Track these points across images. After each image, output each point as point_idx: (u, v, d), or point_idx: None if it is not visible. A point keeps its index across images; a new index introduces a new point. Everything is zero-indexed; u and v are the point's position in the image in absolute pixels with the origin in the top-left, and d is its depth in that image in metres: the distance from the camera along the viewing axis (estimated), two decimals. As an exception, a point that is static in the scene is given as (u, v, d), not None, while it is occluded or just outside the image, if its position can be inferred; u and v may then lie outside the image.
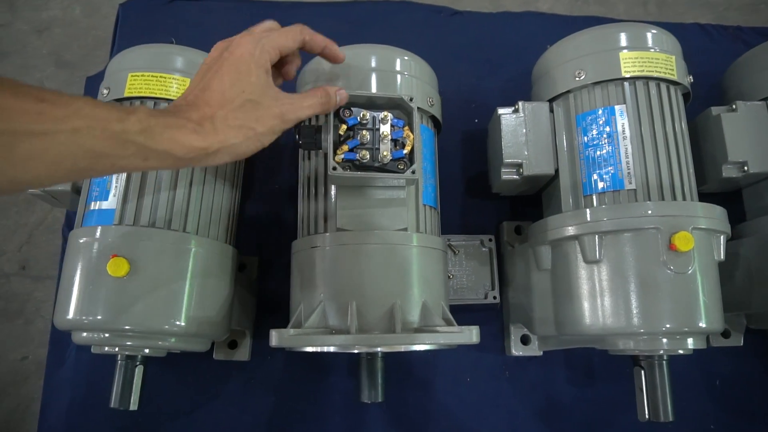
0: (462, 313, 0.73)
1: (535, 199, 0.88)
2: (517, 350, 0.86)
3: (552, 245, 0.75)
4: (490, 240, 0.89)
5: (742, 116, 0.80)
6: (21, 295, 1.21)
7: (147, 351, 0.66)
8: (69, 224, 0.90)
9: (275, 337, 0.61)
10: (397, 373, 0.85)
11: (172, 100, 0.71)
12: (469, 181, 0.96)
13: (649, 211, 0.66)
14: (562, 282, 0.72)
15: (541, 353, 0.86)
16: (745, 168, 0.78)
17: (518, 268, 0.84)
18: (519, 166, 0.77)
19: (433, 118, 0.80)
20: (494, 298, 0.86)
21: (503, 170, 0.78)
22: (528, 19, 1.10)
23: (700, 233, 0.67)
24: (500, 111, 0.80)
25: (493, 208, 0.94)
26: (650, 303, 0.65)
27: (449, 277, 0.87)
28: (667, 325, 0.64)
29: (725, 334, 0.87)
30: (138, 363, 0.66)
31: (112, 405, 0.65)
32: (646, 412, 0.67)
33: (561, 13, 1.13)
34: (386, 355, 0.71)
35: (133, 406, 0.65)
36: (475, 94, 1.00)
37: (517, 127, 0.78)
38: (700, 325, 0.64)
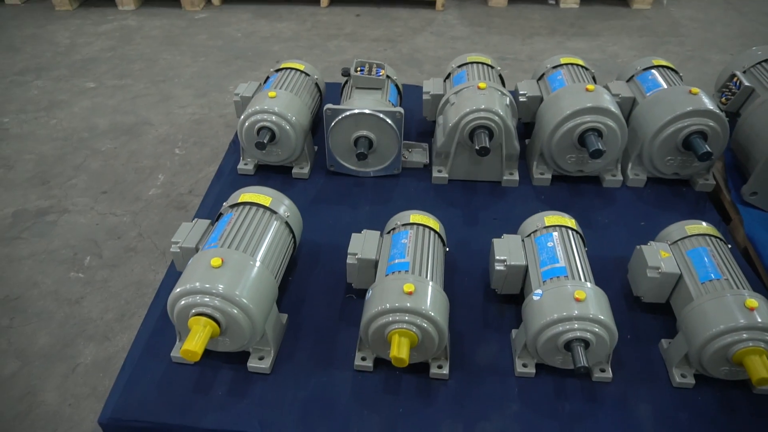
0: (410, 173, 1.69)
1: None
2: (436, 175, 1.70)
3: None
4: (426, 144, 1.83)
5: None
6: (188, 202, 2.10)
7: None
8: (219, 175, 1.85)
9: (329, 108, 1.56)
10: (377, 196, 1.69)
11: None
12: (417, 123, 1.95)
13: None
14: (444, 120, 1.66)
15: (447, 176, 1.69)
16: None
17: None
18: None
19: (396, 86, 1.87)
20: (426, 162, 1.77)
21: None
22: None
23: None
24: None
25: (428, 135, 1.90)
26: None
27: (403, 158, 1.79)
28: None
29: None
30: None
31: (258, 140, 1.56)
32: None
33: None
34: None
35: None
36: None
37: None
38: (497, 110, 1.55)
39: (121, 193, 2.21)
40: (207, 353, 1.19)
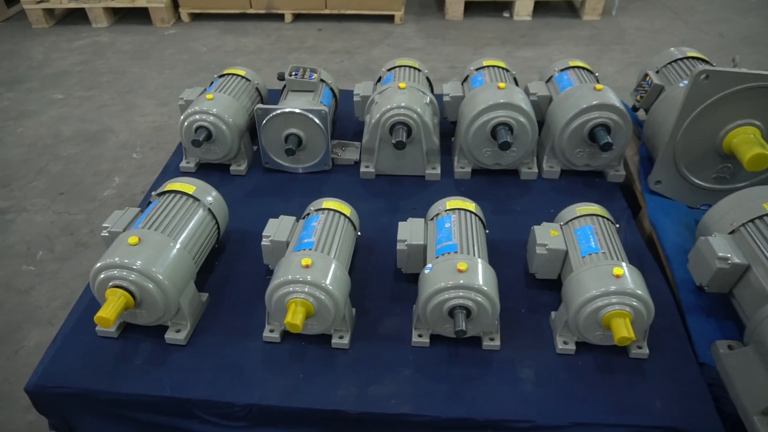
0: (342, 169, 1.80)
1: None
2: (364, 170, 1.81)
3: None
4: (358, 143, 1.94)
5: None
6: (140, 201, 2.22)
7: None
8: (164, 173, 1.95)
9: (259, 108, 1.67)
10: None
11: None
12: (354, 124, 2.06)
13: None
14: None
15: (374, 171, 1.80)
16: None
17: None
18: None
19: (332, 90, 1.98)
20: (357, 159, 1.87)
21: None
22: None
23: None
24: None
25: (359, 135, 2.00)
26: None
27: (336, 155, 1.89)
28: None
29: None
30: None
31: (195, 137, 1.66)
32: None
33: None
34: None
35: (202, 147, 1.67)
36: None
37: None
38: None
39: (78, 194, 2.31)
40: (131, 327, 1.28)
